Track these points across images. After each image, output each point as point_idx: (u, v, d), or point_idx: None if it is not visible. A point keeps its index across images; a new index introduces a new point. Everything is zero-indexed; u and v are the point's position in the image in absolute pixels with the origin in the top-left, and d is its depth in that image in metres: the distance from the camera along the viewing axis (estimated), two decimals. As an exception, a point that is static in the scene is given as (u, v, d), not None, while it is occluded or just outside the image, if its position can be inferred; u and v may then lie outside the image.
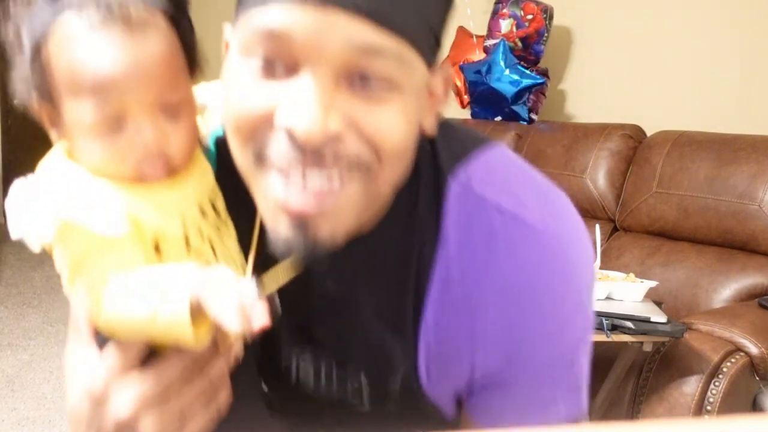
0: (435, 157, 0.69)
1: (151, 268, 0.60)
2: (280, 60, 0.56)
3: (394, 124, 0.58)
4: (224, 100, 0.61)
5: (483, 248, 0.65)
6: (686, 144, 2.64)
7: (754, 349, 2.01)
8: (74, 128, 0.65)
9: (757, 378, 2.15)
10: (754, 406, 2.23)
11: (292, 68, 0.56)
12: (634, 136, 2.86)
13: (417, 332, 0.69)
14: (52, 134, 0.70)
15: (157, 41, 0.64)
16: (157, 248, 0.64)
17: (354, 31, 0.54)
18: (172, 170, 0.67)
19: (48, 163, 0.67)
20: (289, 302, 0.68)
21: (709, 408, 1.86)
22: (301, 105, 0.55)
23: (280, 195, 0.58)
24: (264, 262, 0.65)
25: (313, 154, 0.56)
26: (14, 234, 0.62)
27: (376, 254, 0.68)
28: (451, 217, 0.66)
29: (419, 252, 0.67)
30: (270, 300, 0.59)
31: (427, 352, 0.69)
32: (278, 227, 0.59)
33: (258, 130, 0.58)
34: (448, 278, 0.66)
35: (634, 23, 3.11)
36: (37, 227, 0.61)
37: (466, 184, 0.67)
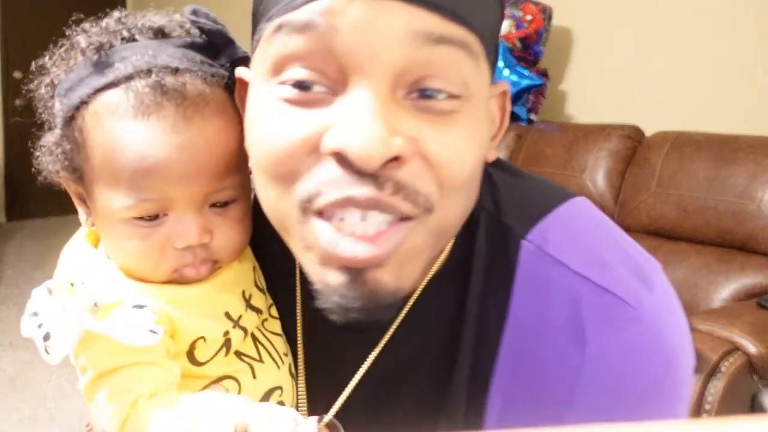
0: (496, 207, 0.59)
1: (200, 398, 0.53)
2: (322, 74, 0.47)
3: (462, 146, 0.48)
4: (252, 143, 0.51)
5: (568, 324, 0.54)
6: (685, 144, 2.64)
7: (752, 349, 2.02)
8: (105, 217, 0.57)
9: (756, 377, 2.16)
10: (753, 406, 2.24)
11: (338, 83, 0.46)
12: (633, 136, 2.86)
13: (479, 405, 0.58)
14: (80, 211, 0.61)
15: (212, 124, 0.55)
16: (191, 351, 0.57)
17: (414, 19, 0.44)
18: (215, 270, 0.59)
19: (71, 255, 0.60)
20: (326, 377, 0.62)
21: (707, 407, 1.87)
22: (355, 120, 0.45)
23: (329, 240, 0.48)
24: (311, 327, 0.59)
25: (371, 182, 0.46)
26: (39, 342, 0.52)
27: (426, 316, 0.59)
28: (522, 281, 0.56)
29: (478, 316, 0.58)
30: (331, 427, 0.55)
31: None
32: (329, 280, 0.49)
33: (301, 168, 0.48)
34: (520, 353, 0.56)
35: (634, 24, 3.11)
36: (59, 339, 0.52)
37: (540, 245, 0.56)
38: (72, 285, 0.53)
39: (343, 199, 0.46)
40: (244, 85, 0.56)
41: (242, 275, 0.62)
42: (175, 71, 0.55)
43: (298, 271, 0.63)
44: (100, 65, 0.56)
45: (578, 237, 0.57)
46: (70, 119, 0.56)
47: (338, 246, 0.47)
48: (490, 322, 0.57)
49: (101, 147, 0.55)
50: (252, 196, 0.61)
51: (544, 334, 0.55)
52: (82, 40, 0.58)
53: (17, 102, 5.47)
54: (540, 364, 0.55)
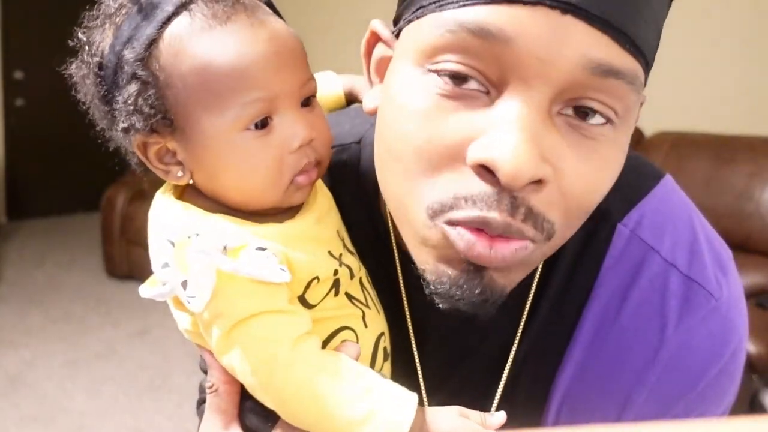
0: None
1: (371, 376, 0.53)
2: (482, 75, 0.44)
3: (599, 178, 0.46)
4: (396, 130, 0.48)
5: (652, 309, 0.56)
6: (684, 145, 2.65)
7: (752, 349, 2.03)
8: (213, 145, 0.55)
9: (756, 377, 2.17)
10: (752, 405, 2.25)
11: (496, 85, 0.44)
12: (633, 136, 2.86)
13: (556, 373, 0.60)
14: (164, 172, 0.59)
15: (280, 24, 0.57)
16: (304, 293, 0.56)
17: (593, 44, 0.42)
18: (317, 177, 0.59)
19: (166, 214, 0.58)
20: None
21: (706, 406, 1.87)
22: (506, 134, 0.42)
23: (468, 243, 0.46)
24: (395, 305, 0.59)
25: (507, 203, 0.44)
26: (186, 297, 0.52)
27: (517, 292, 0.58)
28: (612, 263, 0.57)
29: (565, 289, 0.59)
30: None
31: (556, 416, 0.60)
32: (446, 272, 0.48)
33: (441, 168, 0.46)
34: (598, 333, 0.57)
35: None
36: (198, 284, 0.51)
37: (635, 230, 0.57)
38: (189, 238, 0.52)
39: (477, 220, 0.45)
40: (375, 37, 0.55)
41: (331, 212, 0.62)
42: None
43: (395, 246, 0.63)
44: (149, 7, 0.55)
45: (670, 222, 0.58)
46: (144, 66, 0.55)
47: (469, 249, 0.46)
48: (571, 305, 0.58)
49: (192, 70, 0.54)
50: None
51: (626, 319, 0.56)
52: (110, 2, 0.57)
53: (17, 102, 5.48)
54: (617, 345, 0.56)
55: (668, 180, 0.61)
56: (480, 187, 0.44)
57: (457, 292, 0.48)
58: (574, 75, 0.42)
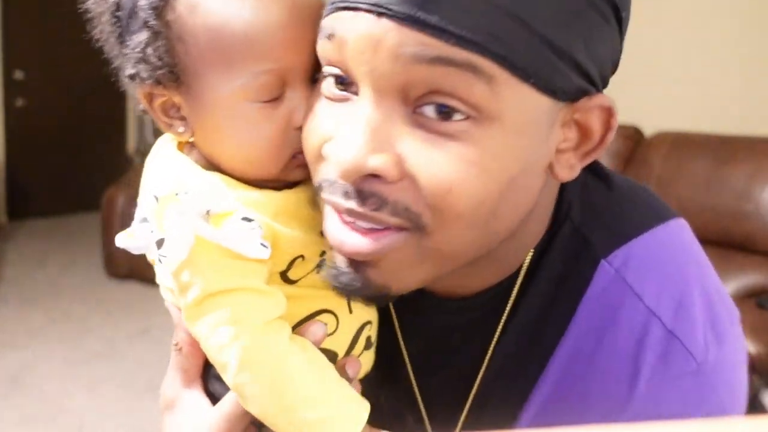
0: (582, 219, 0.57)
1: (325, 375, 0.54)
2: (344, 76, 0.49)
3: (461, 176, 0.46)
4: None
5: (627, 357, 0.53)
6: (684, 145, 2.65)
7: (752, 349, 2.03)
8: (219, 108, 0.54)
9: (756, 377, 2.17)
10: (753, 405, 2.25)
11: (355, 86, 0.49)
12: (633, 136, 2.87)
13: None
14: (167, 125, 0.58)
15: None
16: (287, 270, 0.56)
17: (410, 39, 0.44)
18: None
19: (164, 164, 0.57)
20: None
21: (706, 406, 1.87)
22: (346, 132, 0.47)
23: (331, 229, 0.51)
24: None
25: (355, 192, 0.48)
26: (137, 248, 0.54)
27: (475, 313, 0.60)
28: (590, 302, 0.55)
29: (535, 326, 0.58)
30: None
31: None
32: (335, 261, 0.52)
33: (319, 158, 0.51)
34: (568, 372, 0.56)
35: (633, 24, 3.11)
36: (174, 244, 0.50)
37: (620, 270, 0.55)
38: (176, 195, 0.51)
39: (332, 202, 0.50)
40: None
41: None
42: None
43: None
44: None
45: (662, 269, 0.55)
46: (158, 15, 0.53)
47: (336, 233, 0.50)
48: (545, 336, 0.57)
49: (205, 28, 0.52)
50: None
51: (599, 360, 0.54)
52: None
53: (17, 102, 5.48)
54: (586, 389, 0.55)
55: (677, 224, 0.58)
56: (331, 175, 0.49)
57: (339, 283, 0.52)
58: (401, 67, 0.45)
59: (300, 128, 0.54)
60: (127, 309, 3.70)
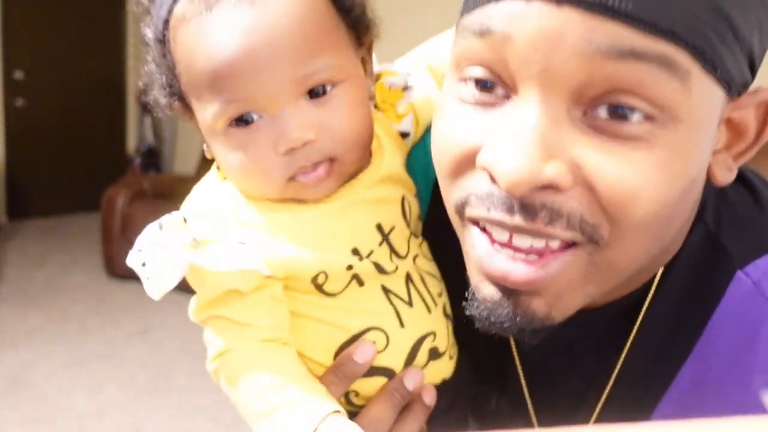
0: (719, 231, 0.52)
1: (292, 390, 0.53)
2: (498, 78, 0.43)
3: (643, 180, 0.41)
4: (433, 128, 0.49)
5: (763, 378, 0.48)
6: (685, 145, 2.64)
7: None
8: (207, 135, 0.55)
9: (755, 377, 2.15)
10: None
11: (513, 89, 0.43)
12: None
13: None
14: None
15: (283, 5, 0.51)
16: (316, 283, 0.55)
17: (599, 31, 0.38)
18: (339, 172, 0.54)
19: (200, 187, 0.58)
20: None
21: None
22: (509, 139, 0.41)
23: (482, 255, 0.45)
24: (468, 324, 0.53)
25: (521, 207, 0.42)
26: (139, 270, 0.54)
27: (599, 327, 0.55)
28: (725, 314, 0.50)
29: (662, 337, 0.53)
30: None
31: None
32: (482, 290, 0.46)
33: (462, 170, 0.45)
34: (696, 387, 0.51)
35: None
36: (156, 275, 0.53)
37: (759, 283, 0.49)
38: (185, 220, 0.53)
39: (490, 219, 0.44)
40: None
41: (379, 203, 0.57)
42: None
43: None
44: None
45: None
46: (161, 41, 0.54)
47: (493, 261, 0.45)
48: (673, 350, 0.52)
49: (182, 58, 0.52)
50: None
51: (733, 380, 0.49)
52: None
53: (17, 102, 5.48)
54: (715, 408, 0.50)
55: None
56: (488, 187, 0.43)
57: (491, 315, 0.46)
58: (583, 65, 0.39)
59: (288, 153, 0.52)
60: (127, 309, 3.70)
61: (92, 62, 5.82)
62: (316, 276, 0.55)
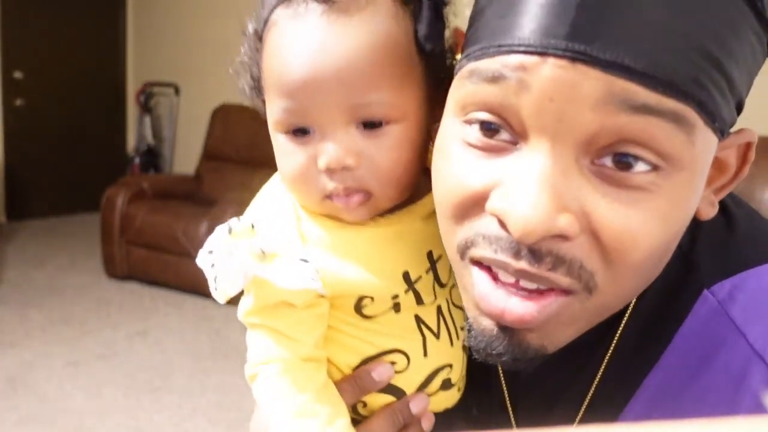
0: (691, 251, 0.53)
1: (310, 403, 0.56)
2: (506, 124, 0.44)
3: (646, 228, 0.43)
4: (434, 178, 0.50)
5: (722, 399, 0.49)
6: (685, 145, 2.65)
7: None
8: (270, 133, 0.57)
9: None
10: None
11: (521, 136, 0.44)
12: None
13: None
14: None
15: (360, 29, 0.52)
16: (359, 305, 0.58)
17: (615, 86, 0.40)
18: (374, 205, 0.56)
19: (266, 192, 0.61)
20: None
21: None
22: (522, 186, 0.42)
23: (482, 293, 0.47)
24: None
25: (528, 252, 0.43)
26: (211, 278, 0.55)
27: (578, 342, 0.55)
28: (690, 332, 0.51)
29: (629, 351, 0.55)
30: None
31: None
32: (481, 324, 0.48)
33: (469, 213, 0.46)
34: (656, 403, 0.53)
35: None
36: (223, 281, 0.54)
37: (724, 303, 0.50)
38: (253, 227, 0.54)
39: (495, 261, 0.45)
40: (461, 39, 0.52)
41: (432, 231, 0.57)
42: None
43: None
44: None
45: None
46: (258, 39, 0.57)
47: (491, 299, 0.46)
48: (639, 367, 0.54)
49: (266, 57, 0.56)
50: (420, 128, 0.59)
51: (690, 401, 0.50)
52: None
53: (17, 102, 5.48)
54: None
55: None
56: (497, 231, 0.44)
57: (490, 350, 0.48)
58: (596, 116, 0.40)
59: (327, 171, 0.53)
60: (126, 310, 3.69)
61: (92, 62, 5.82)
62: (361, 299, 0.57)
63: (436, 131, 0.53)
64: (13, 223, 5.44)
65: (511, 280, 0.45)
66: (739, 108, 0.46)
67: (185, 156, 5.48)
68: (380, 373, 0.59)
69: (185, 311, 3.60)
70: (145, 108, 5.76)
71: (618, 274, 0.44)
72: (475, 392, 0.67)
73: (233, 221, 0.55)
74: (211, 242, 0.54)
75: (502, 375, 0.64)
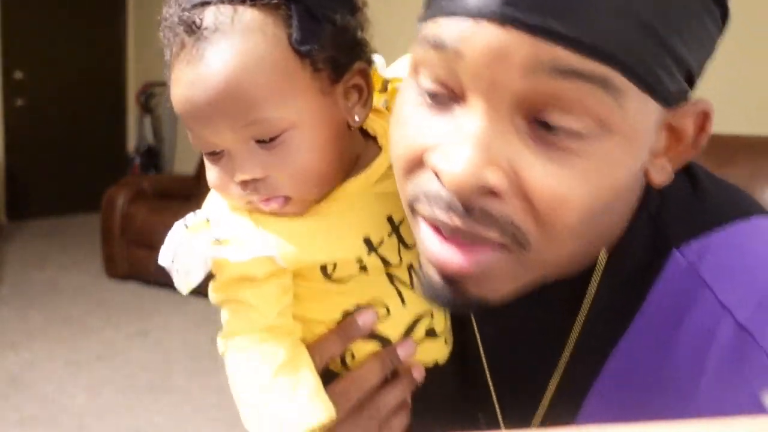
0: (659, 215, 0.55)
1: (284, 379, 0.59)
2: (447, 87, 0.47)
3: (578, 191, 0.45)
4: (390, 128, 0.53)
5: (692, 353, 0.51)
6: (684, 145, 2.65)
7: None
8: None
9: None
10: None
11: (461, 98, 0.47)
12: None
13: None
14: None
15: (228, 56, 0.53)
16: (327, 272, 0.61)
17: (543, 51, 0.42)
18: (299, 203, 0.59)
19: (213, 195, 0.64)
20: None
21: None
22: (456, 144, 0.45)
23: (428, 246, 0.50)
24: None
25: (462, 209, 0.46)
26: (167, 264, 0.60)
27: (552, 306, 0.59)
28: (660, 293, 0.54)
29: (601, 314, 0.56)
30: None
31: None
32: (429, 275, 0.51)
33: (414, 169, 0.49)
34: (632, 362, 0.55)
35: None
36: (183, 272, 0.59)
37: (694, 264, 0.52)
38: (207, 221, 0.59)
39: (434, 219, 0.48)
40: None
41: (387, 195, 0.60)
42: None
43: None
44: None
45: (739, 265, 0.51)
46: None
47: (434, 251, 0.49)
48: (614, 327, 0.55)
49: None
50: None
51: (666, 355, 0.52)
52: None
53: (17, 102, 5.48)
54: (650, 384, 0.53)
55: (764, 222, 0.54)
56: (436, 187, 0.47)
57: (436, 298, 0.52)
58: (526, 80, 0.43)
59: (242, 185, 0.57)
60: (126, 310, 3.70)
61: (92, 62, 5.83)
62: (325, 266, 0.60)
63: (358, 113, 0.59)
64: (13, 223, 5.44)
65: (447, 231, 0.48)
66: (690, 78, 0.48)
67: (186, 156, 5.48)
68: (364, 318, 0.62)
69: (185, 311, 3.59)
70: (146, 108, 5.76)
71: (551, 234, 0.46)
72: (461, 383, 0.69)
73: (189, 216, 0.59)
74: (169, 238, 0.59)
75: (485, 361, 0.66)
